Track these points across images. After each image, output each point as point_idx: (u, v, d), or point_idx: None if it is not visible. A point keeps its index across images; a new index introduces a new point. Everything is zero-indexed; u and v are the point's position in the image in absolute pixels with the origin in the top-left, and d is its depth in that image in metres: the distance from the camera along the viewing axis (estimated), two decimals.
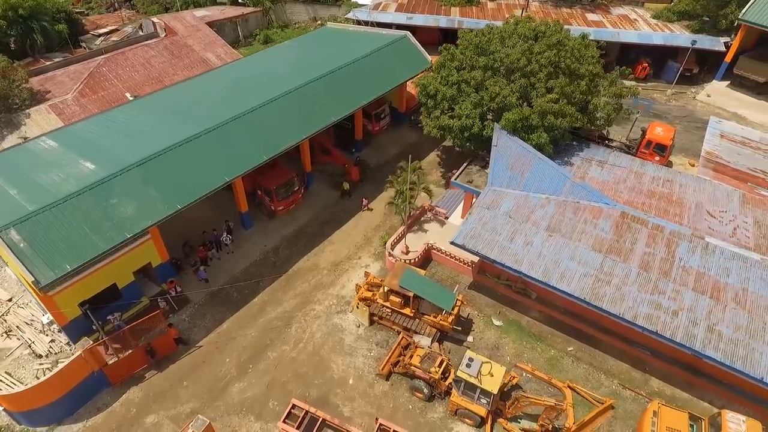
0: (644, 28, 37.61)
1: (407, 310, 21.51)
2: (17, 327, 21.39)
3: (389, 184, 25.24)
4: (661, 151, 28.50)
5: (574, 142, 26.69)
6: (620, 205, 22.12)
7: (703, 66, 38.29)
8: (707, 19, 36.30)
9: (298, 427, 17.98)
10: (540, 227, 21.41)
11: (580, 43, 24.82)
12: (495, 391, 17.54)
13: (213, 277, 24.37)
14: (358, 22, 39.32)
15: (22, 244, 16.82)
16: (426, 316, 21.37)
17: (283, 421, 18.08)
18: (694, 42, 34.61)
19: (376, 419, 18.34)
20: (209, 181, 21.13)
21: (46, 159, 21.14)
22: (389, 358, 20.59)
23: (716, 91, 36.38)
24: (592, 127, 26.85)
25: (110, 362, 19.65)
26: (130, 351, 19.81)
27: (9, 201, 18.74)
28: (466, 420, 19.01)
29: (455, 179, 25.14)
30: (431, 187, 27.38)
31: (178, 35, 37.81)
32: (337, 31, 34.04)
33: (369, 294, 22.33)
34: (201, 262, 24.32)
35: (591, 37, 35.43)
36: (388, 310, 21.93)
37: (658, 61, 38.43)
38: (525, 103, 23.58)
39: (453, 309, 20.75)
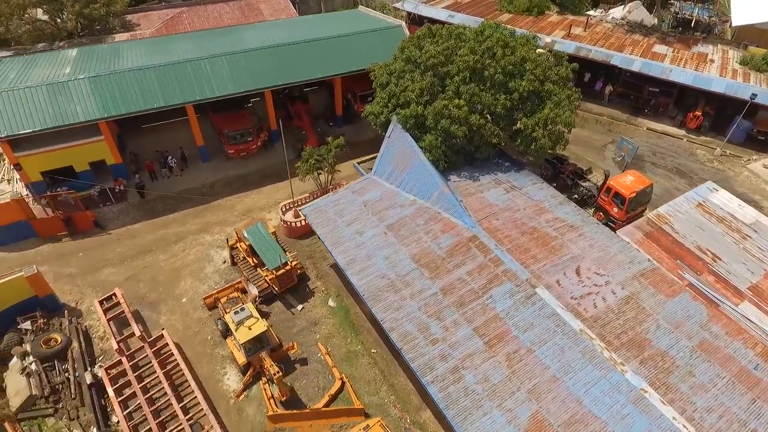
0: (712, 72, 31.11)
1: (251, 260, 23.29)
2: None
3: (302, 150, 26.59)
4: (619, 202, 24.45)
5: (507, 162, 24.64)
6: (479, 228, 20.34)
7: None
8: None
9: (105, 311, 21.55)
10: (383, 223, 21.05)
11: (522, 58, 22.67)
12: (241, 341, 18.68)
13: (154, 189, 29.16)
14: (408, 14, 40.12)
15: None
16: (261, 270, 22.90)
17: (99, 301, 21.84)
18: (753, 96, 27.72)
19: (162, 329, 20.93)
20: (152, 103, 25.72)
21: (48, 62, 28.27)
22: (218, 292, 22.76)
23: None
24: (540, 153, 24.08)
25: (38, 217, 25.67)
26: (50, 216, 25.55)
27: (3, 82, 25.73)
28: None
29: (358, 162, 25.54)
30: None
31: None
32: (359, 13, 35.86)
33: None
34: (150, 174, 29.42)
35: (635, 68, 31.58)
36: (242, 255, 23.97)
37: (725, 114, 31.56)
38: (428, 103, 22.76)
39: (277, 269, 21.90)
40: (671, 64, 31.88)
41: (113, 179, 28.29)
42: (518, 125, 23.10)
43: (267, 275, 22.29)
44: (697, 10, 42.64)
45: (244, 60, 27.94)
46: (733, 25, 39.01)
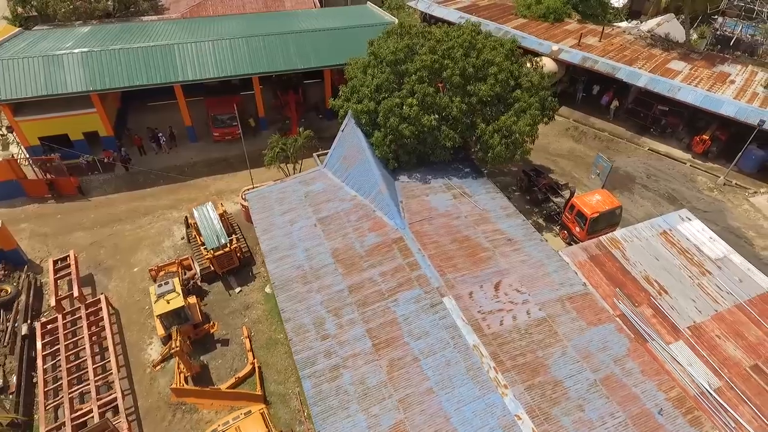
0: (727, 93, 28.28)
1: (199, 238, 23.95)
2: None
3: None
4: (582, 221, 22.95)
5: (467, 168, 23.78)
6: (407, 230, 19.77)
7: None
8: None
9: (55, 272, 22.90)
10: (317, 215, 20.98)
11: (487, 61, 21.77)
12: (156, 313, 19.37)
13: (141, 163, 30.66)
14: (422, 14, 39.56)
15: None
16: (203, 249, 23.49)
17: (54, 261, 23.27)
18: (762, 122, 24.93)
19: (101, 294, 21.99)
20: (135, 80, 27.14)
21: (59, 36, 30.39)
22: (164, 266, 23.59)
23: None
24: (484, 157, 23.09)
25: (27, 177, 27.78)
26: (36, 179, 27.57)
27: (11, 50, 27.94)
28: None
29: (317, 153, 25.60)
30: None
31: None
32: (366, 9, 35.84)
33: None
34: (138, 149, 31.02)
35: (641, 83, 29.57)
36: (194, 233, 24.71)
37: (742, 140, 28.62)
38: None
39: (216, 250, 22.42)
40: (682, 82, 29.35)
41: (103, 150, 30.06)
42: (477, 131, 22.21)
43: (207, 254, 22.85)
44: (741, 28, 39.07)
45: (229, 46, 28.79)
46: None
